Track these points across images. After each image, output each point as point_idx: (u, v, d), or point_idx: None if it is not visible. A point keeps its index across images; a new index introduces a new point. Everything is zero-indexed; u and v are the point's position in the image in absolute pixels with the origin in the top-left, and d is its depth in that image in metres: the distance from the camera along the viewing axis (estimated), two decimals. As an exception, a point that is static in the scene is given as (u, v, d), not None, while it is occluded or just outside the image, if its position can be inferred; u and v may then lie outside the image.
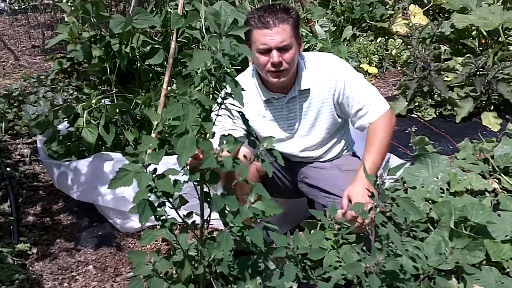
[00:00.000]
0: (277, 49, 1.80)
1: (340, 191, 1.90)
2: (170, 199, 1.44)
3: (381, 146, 1.89)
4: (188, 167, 1.43)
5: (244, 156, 1.89)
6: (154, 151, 1.40)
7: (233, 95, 1.36)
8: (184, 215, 1.54)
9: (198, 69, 2.48)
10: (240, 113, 1.59)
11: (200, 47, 2.68)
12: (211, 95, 2.20)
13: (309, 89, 1.94)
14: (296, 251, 1.50)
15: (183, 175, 1.41)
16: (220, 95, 1.42)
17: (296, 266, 1.51)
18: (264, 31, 1.79)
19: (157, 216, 1.46)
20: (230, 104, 1.42)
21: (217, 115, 1.42)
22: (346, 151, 2.14)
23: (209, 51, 1.33)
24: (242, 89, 1.37)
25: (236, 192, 1.50)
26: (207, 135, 1.39)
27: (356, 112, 1.94)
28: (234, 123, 1.99)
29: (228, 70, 2.52)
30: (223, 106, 1.40)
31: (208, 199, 1.47)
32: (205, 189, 1.47)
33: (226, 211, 1.44)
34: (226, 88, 1.39)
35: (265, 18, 1.79)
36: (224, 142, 1.38)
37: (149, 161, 1.36)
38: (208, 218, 1.53)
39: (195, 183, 1.46)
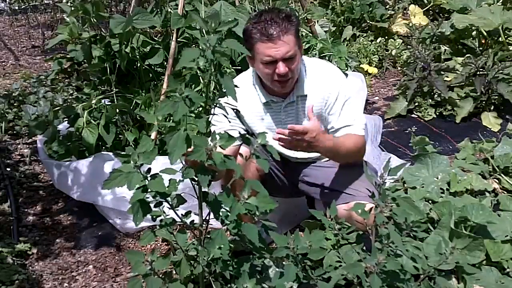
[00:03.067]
0: (282, 60, 1.78)
1: (341, 186, 1.91)
2: (167, 199, 1.44)
3: (349, 150, 1.87)
4: (185, 166, 1.43)
5: (241, 155, 1.89)
6: (146, 151, 1.40)
7: (243, 96, 1.35)
8: (182, 214, 1.54)
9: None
10: (235, 110, 1.59)
11: (200, 47, 2.68)
12: (210, 95, 2.20)
13: (307, 95, 1.94)
14: (296, 251, 1.50)
15: (182, 175, 1.41)
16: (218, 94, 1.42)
17: (296, 266, 1.51)
18: (268, 44, 1.76)
19: (153, 216, 1.46)
20: (226, 103, 1.42)
21: (213, 114, 1.42)
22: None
23: (198, 48, 1.33)
24: (236, 86, 1.37)
25: (235, 192, 1.50)
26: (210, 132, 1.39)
27: (333, 126, 1.94)
28: (230, 122, 2.00)
29: (228, 70, 2.52)
30: (218, 105, 1.40)
31: (207, 199, 1.47)
32: (204, 189, 1.47)
33: (223, 209, 1.44)
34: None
35: (268, 30, 1.76)
36: (217, 137, 1.38)
37: (141, 161, 1.36)
38: (207, 218, 1.53)
39: (193, 182, 1.46)
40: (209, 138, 1.38)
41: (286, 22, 1.78)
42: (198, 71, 1.34)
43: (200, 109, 1.45)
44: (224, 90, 1.37)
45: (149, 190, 1.38)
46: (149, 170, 1.39)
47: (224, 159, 1.35)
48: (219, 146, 1.37)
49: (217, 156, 1.35)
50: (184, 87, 1.32)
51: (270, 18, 1.78)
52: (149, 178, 1.38)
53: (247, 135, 1.57)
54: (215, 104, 1.40)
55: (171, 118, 1.47)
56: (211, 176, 1.38)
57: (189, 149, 1.35)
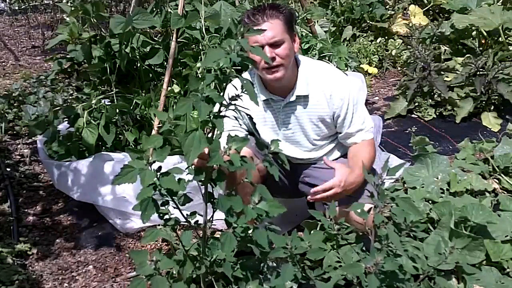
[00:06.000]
0: (268, 45, 1.81)
1: None
2: (174, 198, 1.44)
3: (368, 163, 1.93)
4: (193, 166, 1.43)
5: (251, 158, 1.88)
6: (158, 149, 1.40)
7: (245, 95, 1.35)
8: (187, 214, 1.54)
9: (204, 68, 2.50)
10: (249, 116, 1.60)
11: (200, 47, 2.68)
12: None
13: (308, 95, 1.94)
14: (293, 251, 1.50)
15: (187, 174, 1.41)
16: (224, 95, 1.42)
17: (295, 266, 1.51)
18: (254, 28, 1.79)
19: (161, 214, 1.46)
20: (238, 105, 1.41)
21: (224, 116, 1.42)
22: (346, 152, 2.14)
23: (222, 49, 1.33)
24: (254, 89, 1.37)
25: (238, 192, 1.50)
26: (215, 133, 1.38)
27: (347, 132, 1.97)
28: (240, 124, 2.00)
29: (228, 70, 2.52)
30: (232, 107, 1.39)
31: (212, 199, 1.47)
32: (209, 189, 1.47)
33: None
34: (237, 88, 1.39)
35: (254, 16, 1.82)
36: (232, 141, 1.38)
37: (154, 159, 1.36)
38: (211, 219, 1.53)
39: (199, 182, 1.46)
40: (224, 141, 1.38)
41: (273, 9, 1.84)
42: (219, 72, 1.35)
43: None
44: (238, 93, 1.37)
45: (159, 188, 1.38)
46: (159, 168, 1.39)
47: (241, 162, 1.36)
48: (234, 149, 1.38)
49: (235, 157, 1.35)
50: (205, 87, 1.32)
51: (258, 6, 1.87)
52: (159, 176, 1.38)
53: (260, 140, 1.58)
54: (227, 107, 1.40)
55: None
56: None
57: (205, 149, 1.35)
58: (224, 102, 1.37)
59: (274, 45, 1.81)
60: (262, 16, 1.81)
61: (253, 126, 1.99)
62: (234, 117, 1.96)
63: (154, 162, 1.36)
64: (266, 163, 1.44)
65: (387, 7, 5.09)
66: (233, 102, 1.37)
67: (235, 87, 1.39)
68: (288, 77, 1.89)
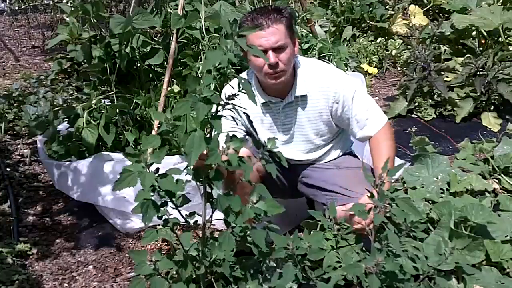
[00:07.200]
0: (272, 49, 1.79)
1: (339, 188, 1.91)
2: (173, 199, 1.44)
3: (390, 151, 1.93)
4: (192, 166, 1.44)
5: (248, 157, 1.89)
6: (155, 150, 1.40)
7: (242, 94, 1.35)
8: (186, 215, 1.54)
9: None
10: (246, 114, 1.60)
11: (200, 47, 2.68)
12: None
13: (306, 95, 1.93)
14: (295, 251, 1.50)
15: (186, 174, 1.41)
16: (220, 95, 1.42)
17: (296, 267, 1.51)
18: (258, 33, 1.77)
19: (160, 216, 1.46)
20: (235, 105, 1.42)
21: (222, 116, 1.42)
22: (344, 152, 2.14)
23: (220, 50, 1.32)
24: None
25: (237, 192, 1.50)
26: (214, 134, 1.38)
27: (356, 125, 1.94)
28: (237, 124, 2.00)
29: (228, 71, 2.52)
30: (229, 107, 1.39)
31: (211, 199, 1.47)
32: (208, 189, 1.47)
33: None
34: (234, 88, 1.38)
35: (258, 19, 1.79)
36: (231, 140, 1.38)
37: (151, 161, 1.36)
38: (210, 219, 1.53)
39: (198, 183, 1.46)
40: (223, 140, 1.38)
41: (276, 13, 1.81)
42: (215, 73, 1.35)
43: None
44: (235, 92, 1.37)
45: (157, 189, 1.38)
46: (157, 169, 1.39)
47: (239, 162, 1.36)
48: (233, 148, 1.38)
49: (233, 157, 1.35)
50: (204, 88, 1.31)
51: (261, 10, 1.84)
52: (158, 177, 1.38)
53: (257, 139, 1.57)
54: (223, 106, 1.40)
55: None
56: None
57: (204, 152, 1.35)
58: (221, 102, 1.36)
59: (278, 49, 1.80)
60: (267, 21, 1.78)
61: (251, 125, 1.99)
62: (232, 117, 1.96)
63: (151, 164, 1.36)
64: (263, 161, 1.44)
65: (387, 7, 5.10)
66: (230, 102, 1.37)
67: (232, 87, 1.39)
68: (286, 78, 1.89)
